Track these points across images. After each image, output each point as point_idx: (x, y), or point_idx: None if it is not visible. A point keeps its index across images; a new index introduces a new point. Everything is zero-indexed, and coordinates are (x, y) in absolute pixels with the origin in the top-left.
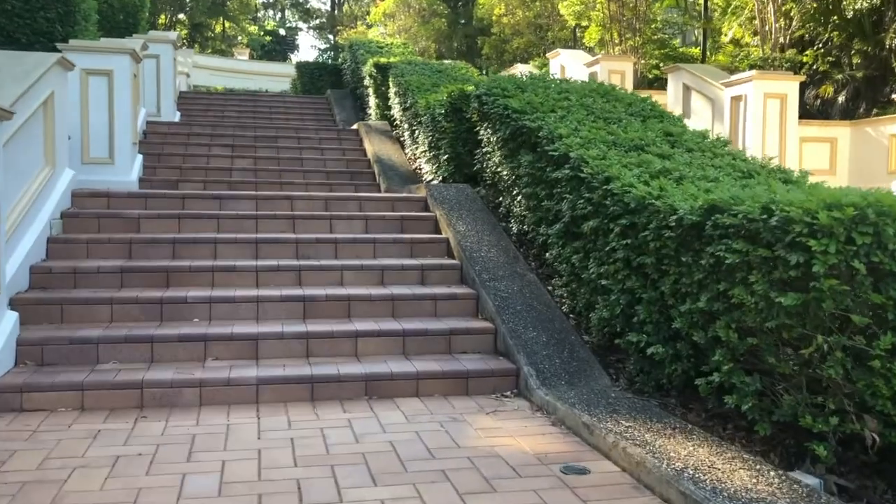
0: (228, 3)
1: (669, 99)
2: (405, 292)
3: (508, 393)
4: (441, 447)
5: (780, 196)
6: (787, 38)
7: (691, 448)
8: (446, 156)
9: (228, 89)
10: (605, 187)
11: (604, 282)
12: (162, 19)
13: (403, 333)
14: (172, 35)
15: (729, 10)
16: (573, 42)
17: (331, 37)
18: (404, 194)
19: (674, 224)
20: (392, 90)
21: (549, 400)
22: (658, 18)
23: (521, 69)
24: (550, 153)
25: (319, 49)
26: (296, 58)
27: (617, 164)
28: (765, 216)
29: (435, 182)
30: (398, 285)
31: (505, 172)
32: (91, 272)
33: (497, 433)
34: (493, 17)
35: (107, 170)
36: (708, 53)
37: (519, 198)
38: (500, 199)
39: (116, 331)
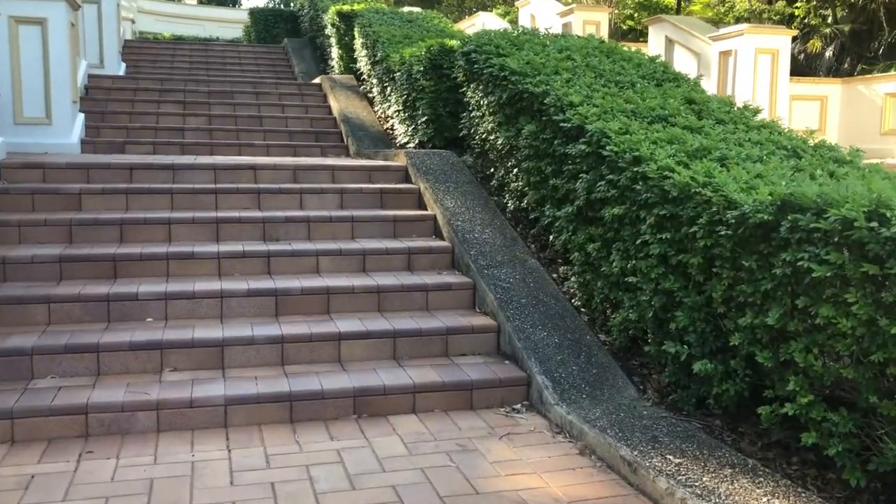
0: None
1: (651, 50)
2: (392, 282)
3: (519, 406)
4: (456, 494)
5: (889, 196)
6: None
7: (766, 501)
8: (425, 118)
9: (177, 36)
10: (634, 169)
11: (631, 278)
12: None
13: (394, 334)
14: None
15: None
16: None
17: None
18: (381, 161)
19: (733, 221)
20: (358, 41)
21: (571, 420)
22: None
23: (483, 19)
24: (561, 124)
25: None
26: (247, 3)
27: (645, 141)
28: (874, 224)
29: (411, 146)
30: (383, 273)
31: (500, 141)
32: (24, 262)
33: (518, 468)
34: None
35: (44, 131)
36: (682, 3)
37: (516, 171)
38: (492, 170)
39: (55, 338)
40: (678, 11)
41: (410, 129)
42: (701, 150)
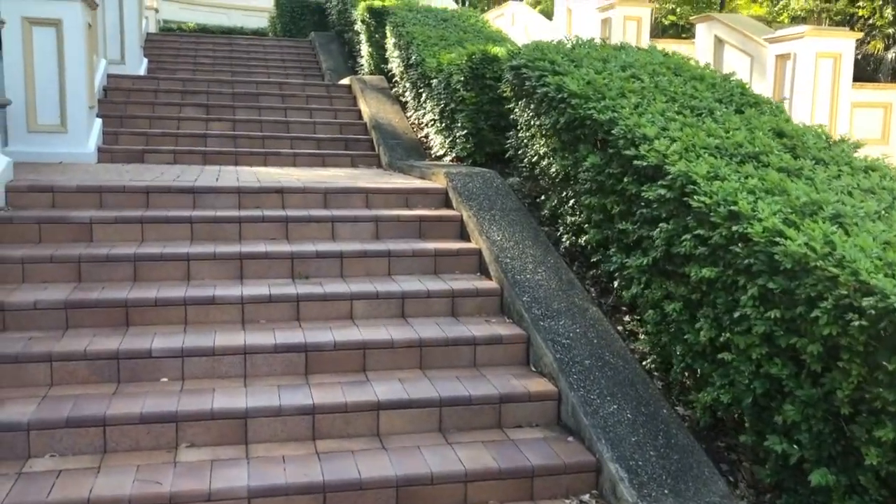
0: None
1: (698, 52)
2: (435, 334)
3: (587, 498)
4: None
5: None
6: None
7: None
8: (464, 131)
9: (201, 26)
10: (732, 228)
11: (724, 355)
12: None
13: (440, 403)
14: None
15: None
16: None
17: None
18: (417, 181)
19: (872, 312)
20: (390, 41)
21: None
22: None
23: (514, 9)
24: (634, 161)
25: None
26: None
27: (741, 190)
28: None
29: (448, 159)
30: (424, 320)
31: (553, 168)
32: (25, 308)
33: None
34: None
35: (58, 139)
36: None
37: (573, 203)
38: (543, 197)
39: (56, 408)
40: (722, 7)
41: (448, 141)
42: (810, 204)
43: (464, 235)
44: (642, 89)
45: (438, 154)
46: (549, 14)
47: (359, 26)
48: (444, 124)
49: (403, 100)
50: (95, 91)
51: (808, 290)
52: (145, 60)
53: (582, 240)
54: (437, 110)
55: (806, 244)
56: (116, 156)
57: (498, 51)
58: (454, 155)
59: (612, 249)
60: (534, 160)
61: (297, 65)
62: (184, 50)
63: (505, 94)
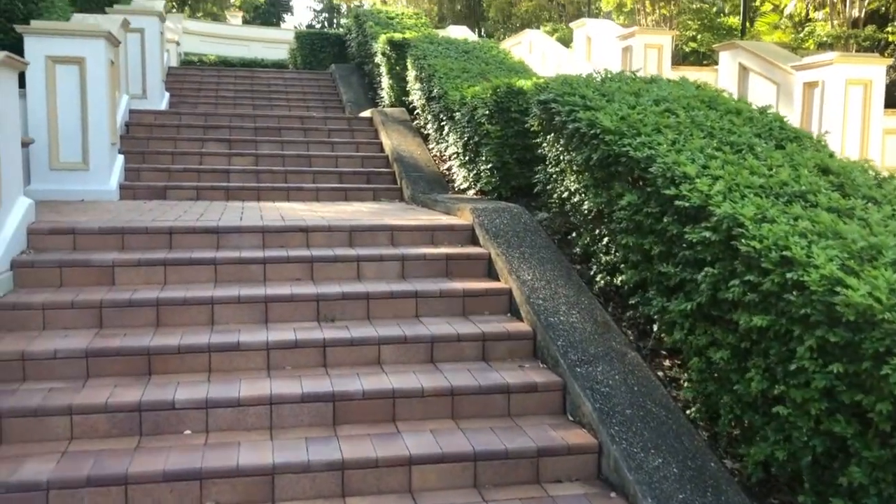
0: None
1: (721, 79)
2: (467, 382)
3: None
4: None
5: None
6: (862, 10)
7: None
8: (489, 165)
9: (222, 58)
10: (786, 275)
11: (779, 409)
12: None
13: (474, 457)
14: (159, 5)
15: None
16: (587, 6)
17: None
18: (442, 217)
19: None
20: (411, 73)
21: None
22: None
23: (531, 36)
24: (675, 201)
25: (315, 11)
26: (290, 20)
27: (793, 234)
28: None
29: (472, 192)
30: (454, 366)
31: (586, 206)
32: (45, 358)
33: None
34: None
35: (80, 177)
36: (747, 24)
37: (607, 241)
38: (574, 234)
39: (76, 464)
40: (743, 33)
41: (472, 174)
42: (868, 248)
43: (492, 274)
44: (678, 125)
45: (462, 187)
46: (566, 41)
47: (379, 59)
48: (467, 157)
49: (425, 132)
50: (117, 127)
51: (875, 344)
52: (167, 94)
53: (617, 280)
54: (460, 143)
55: (870, 294)
56: (139, 192)
57: (523, 84)
58: (478, 188)
59: (652, 292)
60: (564, 196)
61: (318, 97)
62: (206, 83)
63: (532, 129)
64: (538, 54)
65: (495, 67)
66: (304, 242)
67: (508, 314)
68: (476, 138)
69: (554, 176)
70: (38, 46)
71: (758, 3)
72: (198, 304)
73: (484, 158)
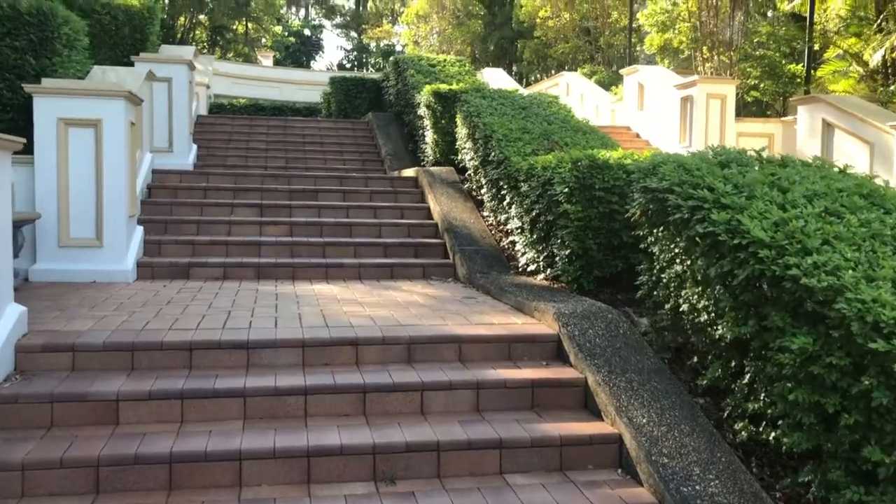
0: (252, 3)
1: (801, 135)
2: None
3: None
4: None
5: None
6: None
7: None
8: (568, 251)
9: (252, 101)
10: None
11: None
12: (181, 20)
13: None
14: (188, 53)
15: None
16: (629, 48)
17: (355, 35)
18: (518, 321)
19: None
20: (462, 130)
21: None
22: (762, 31)
23: (568, 78)
24: (884, 363)
25: (346, 49)
26: (321, 59)
27: None
28: None
29: (541, 277)
30: None
31: (720, 330)
32: None
33: None
34: (538, 20)
35: (93, 255)
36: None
37: (751, 381)
38: (696, 358)
39: None
40: (808, 82)
41: (542, 257)
42: None
43: (589, 405)
44: (852, 235)
45: (528, 269)
46: (605, 85)
47: (423, 111)
48: (535, 236)
49: (477, 196)
50: (138, 193)
51: None
52: (194, 147)
53: (770, 435)
54: (526, 219)
55: None
56: (158, 271)
57: (607, 156)
58: (551, 275)
59: (837, 472)
60: (681, 308)
61: (355, 149)
62: (236, 134)
63: (635, 218)
64: (576, 96)
65: (559, 127)
66: (354, 359)
67: (619, 470)
68: (549, 217)
69: (665, 281)
70: (48, 107)
71: (817, 47)
72: (222, 461)
73: (560, 242)
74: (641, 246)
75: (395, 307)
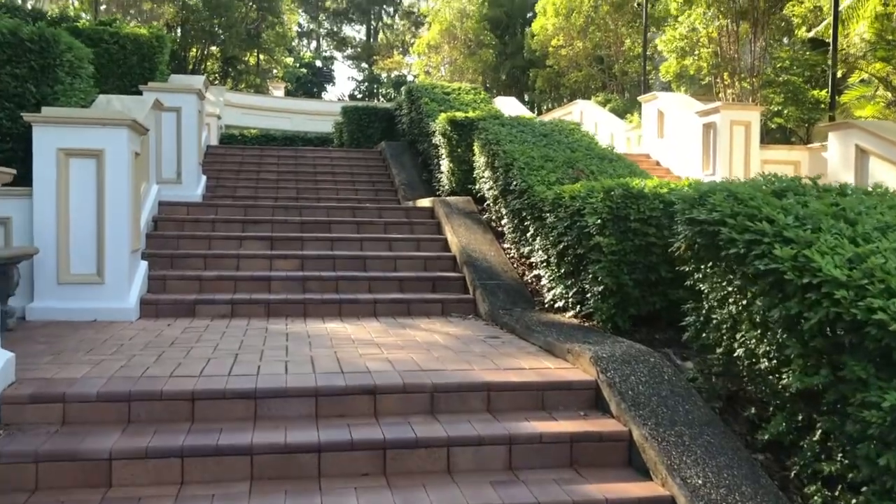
0: (264, 34)
1: (832, 162)
2: None
3: None
4: None
5: None
6: None
7: None
8: (601, 287)
9: (263, 131)
10: None
11: None
12: (193, 52)
13: None
14: (198, 82)
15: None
16: (643, 76)
17: (366, 66)
18: (550, 364)
19: None
20: (480, 159)
21: None
22: (783, 55)
23: (582, 106)
24: None
25: (357, 80)
26: (332, 90)
27: None
28: None
29: (570, 315)
30: None
31: (785, 380)
32: None
33: None
34: (550, 49)
35: (94, 292)
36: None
37: (825, 438)
38: (753, 409)
39: None
40: (832, 108)
41: (572, 293)
42: None
43: (634, 462)
44: None
45: (555, 305)
46: (619, 112)
47: (437, 139)
48: (563, 270)
49: (497, 227)
50: (142, 227)
51: None
52: (204, 178)
53: (850, 502)
54: (553, 251)
55: None
56: (163, 308)
57: (641, 185)
58: (582, 312)
59: None
60: (735, 353)
61: (368, 178)
62: (246, 164)
63: (680, 252)
64: (590, 124)
65: (583, 155)
66: (372, 410)
67: None
68: (580, 250)
69: (716, 322)
70: (48, 137)
71: (840, 73)
72: None
73: (592, 277)
74: (687, 283)
75: (415, 348)
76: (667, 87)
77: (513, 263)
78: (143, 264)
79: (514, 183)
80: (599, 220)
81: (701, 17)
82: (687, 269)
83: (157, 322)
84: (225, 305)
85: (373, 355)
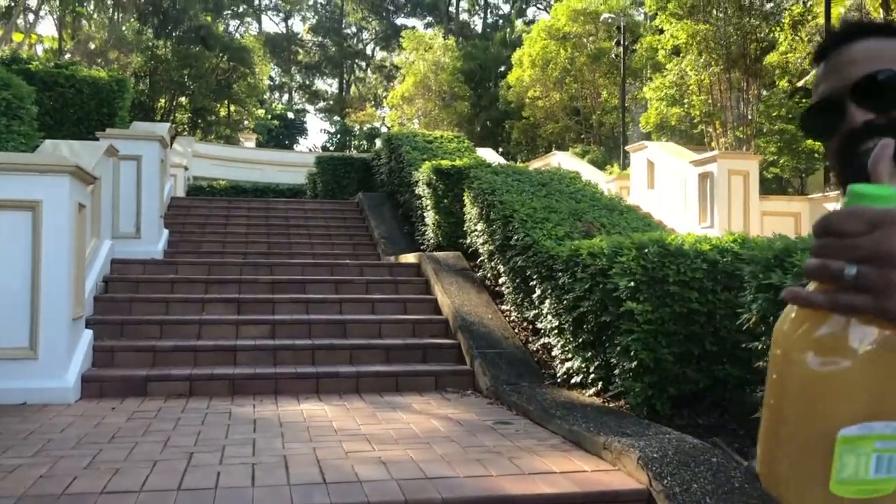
0: (235, 85)
1: None
2: None
3: None
4: None
5: None
6: None
7: None
8: (633, 362)
9: (233, 183)
10: None
11: None
12: (161, 102)
13: None
14: (161, 129)
15: None
16: (622, 126)
17: (339, 118)
18: (583, 466)
19: None
20: (472, 211)
21: None
22: (775, 102)
23: (560, 157)
24: None
25: (329, 132)
26: (305, 142)
27: None
28: None
29: (591, 392)
30: None
31: None
32: None
33: None
34: (526, 100)
35: (25, 369)
36: None
37: None
38: None
39: None
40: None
41: (593, 367)
42: None
43: None
44: None
45: (571, 380)
46: (598, 163)
47: (421, 189)
48: (581, 339)
49: (493, 287)
50: (90, 289)
51: None
52: (166, 232)
53: None
54: (567, 317)
55: None
56: (108, 386)
57: (680, 241)
58: (607, 391)
59: None
60: None
61: (345, 232)
62: (213, 217)
63: (740, 322)
64: None
65: (589, 206)
66: None
67: None
68: (605, 317)
69: None
70: None
71: None
72: None
73: (622, 350)
74: (757, 364)
75: (412, 442)
76: (646, 138)
77: (514, 328)
78: (88, 333)
79: (516, 237)
80: (633, 283)
81: (693, 64)
82: (759, 346)
83: (101, 404)
84: (182, 382)
85: (362, 454)
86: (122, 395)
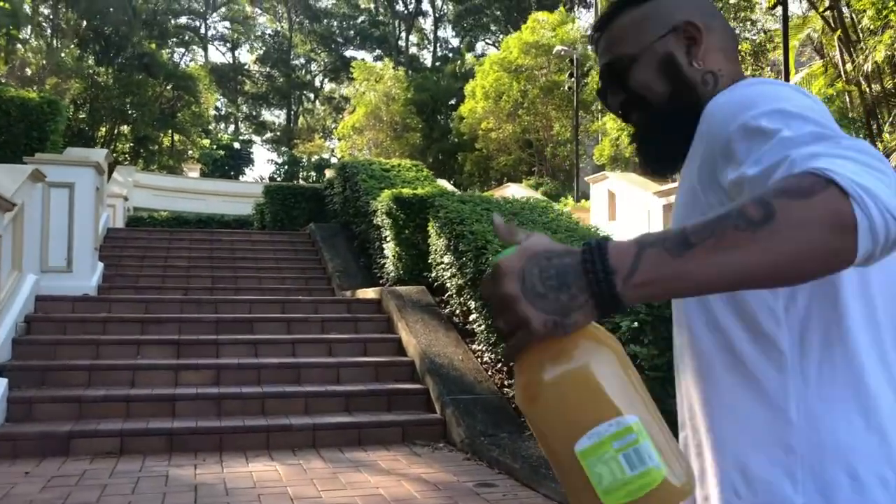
0: (179, 114)
1: None
2: None
3: None
4: None
5: None
6: None
7: None
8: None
9: (175, 214)
10: None
11: None
12: (102, 130)
13: None
14: (97, 155)
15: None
16: (576, 159)
17: (286, 149)
18: None
19: None
20: (439, 242)
21: None
22: None
23: (514, 190)
24: None
25: (277, 163)
26: (251, 172)
27: None
28: None
29: None
30: None
31: None
32: None
33: None
34: (480, 132)
35: None
36: None
37: None
38: None
39: None
40: None
41: None
42: None
43: None
44: None
45: None
46: (552, 196)
47: (380, 219)
48: None
49: (462, 324)
50: (6, 332)
51: None
52: (101, 266)
53: None
54: None
55: None
56: (23, 445)
57: None
58: None
59: None
60: None
61: (297, 265)
62: (153, 249)
63: None
64: None
65: (566, 237)
66: None
67: None
68: None
69: None
70: None
71: None
72: None
73: None
74: None
75: None
76: (600, 170)
77: (487, 371)
78: (2, 383)
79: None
80: (636, 323)
81: None
82: None
83: (13, 468)
84: (112, 438)
85: None
86: (40, 456)
